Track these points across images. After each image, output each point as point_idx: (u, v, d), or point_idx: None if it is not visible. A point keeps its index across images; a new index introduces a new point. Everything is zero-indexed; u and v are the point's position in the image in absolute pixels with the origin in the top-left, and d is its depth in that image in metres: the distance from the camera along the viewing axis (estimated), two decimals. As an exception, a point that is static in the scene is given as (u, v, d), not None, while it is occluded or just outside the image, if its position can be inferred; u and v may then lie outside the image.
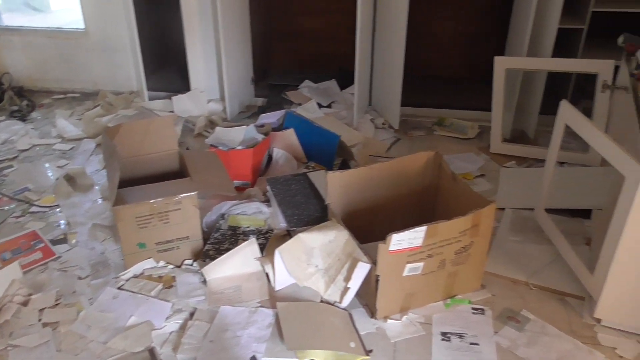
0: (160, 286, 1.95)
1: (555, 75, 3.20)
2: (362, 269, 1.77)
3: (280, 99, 3.39)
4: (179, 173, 2.27)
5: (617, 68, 2.48)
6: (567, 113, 1.97)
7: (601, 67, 2.51)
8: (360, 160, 2.76)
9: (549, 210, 2.32)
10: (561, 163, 2.73)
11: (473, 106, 3.24)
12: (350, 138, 2.93)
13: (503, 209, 2.41)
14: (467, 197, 1.92)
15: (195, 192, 1.98)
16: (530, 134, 3.00)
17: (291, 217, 2.07)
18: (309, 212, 2.09)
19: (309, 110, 3.19)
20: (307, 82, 3.54)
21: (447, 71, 3.77)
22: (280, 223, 2.10)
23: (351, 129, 3.04)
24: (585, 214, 2.33)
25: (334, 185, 1.99)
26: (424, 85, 3.64)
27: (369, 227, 2.01)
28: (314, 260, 1.89)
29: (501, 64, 2.70)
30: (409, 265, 1.73)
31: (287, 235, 2.05)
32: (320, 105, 3.30)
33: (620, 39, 2.23)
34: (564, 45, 3.32)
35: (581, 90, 3.06)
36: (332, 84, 3.54)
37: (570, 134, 3.12)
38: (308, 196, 2.18)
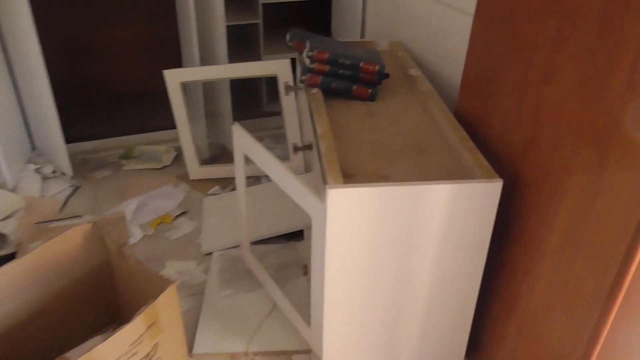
0: None
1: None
2: None
3: None
4: None
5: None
6: (241, 141, 1.62)
7: (278, 67, 2.25)
8: (23, 235, 2.07)
9: (262, 242, 2.02)
10: (266, 175, 2.46)
11: (166, 125, 2.69)
12: (3, 206, 2.20)
13: (210, 253, 2.02)
14: (143, 276, 1.45)
15: None
16: (230, 147, 2.66)
17: None
18: None
19: (-63, 179, 2.31)
20: None
21: (128, 87, 3.19)
22: None
23: (6, 192, 2.29)
24: (300, 234, 2.09)
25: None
26: (104, 109, 3.03)
27: (30, 348, 1.41)
28: None
29: (173, 78, 2.26)
30: (69, 417, 1.20)
31: None
32: (-43, 166, 2.43)
33: (288, 37, 1.97)
34: (248, 42, 3.07)
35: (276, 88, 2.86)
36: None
37: (273, 136, 2.91)
38: None
